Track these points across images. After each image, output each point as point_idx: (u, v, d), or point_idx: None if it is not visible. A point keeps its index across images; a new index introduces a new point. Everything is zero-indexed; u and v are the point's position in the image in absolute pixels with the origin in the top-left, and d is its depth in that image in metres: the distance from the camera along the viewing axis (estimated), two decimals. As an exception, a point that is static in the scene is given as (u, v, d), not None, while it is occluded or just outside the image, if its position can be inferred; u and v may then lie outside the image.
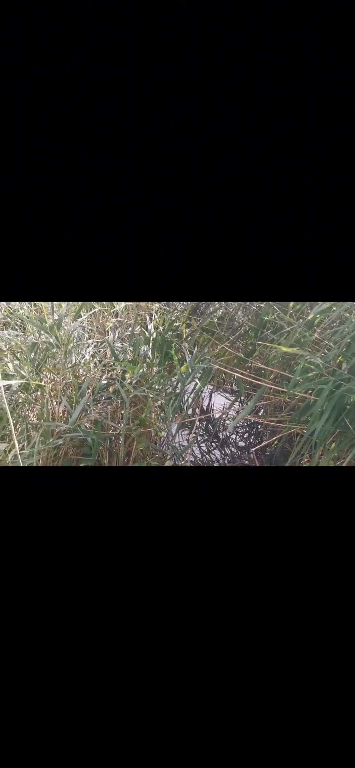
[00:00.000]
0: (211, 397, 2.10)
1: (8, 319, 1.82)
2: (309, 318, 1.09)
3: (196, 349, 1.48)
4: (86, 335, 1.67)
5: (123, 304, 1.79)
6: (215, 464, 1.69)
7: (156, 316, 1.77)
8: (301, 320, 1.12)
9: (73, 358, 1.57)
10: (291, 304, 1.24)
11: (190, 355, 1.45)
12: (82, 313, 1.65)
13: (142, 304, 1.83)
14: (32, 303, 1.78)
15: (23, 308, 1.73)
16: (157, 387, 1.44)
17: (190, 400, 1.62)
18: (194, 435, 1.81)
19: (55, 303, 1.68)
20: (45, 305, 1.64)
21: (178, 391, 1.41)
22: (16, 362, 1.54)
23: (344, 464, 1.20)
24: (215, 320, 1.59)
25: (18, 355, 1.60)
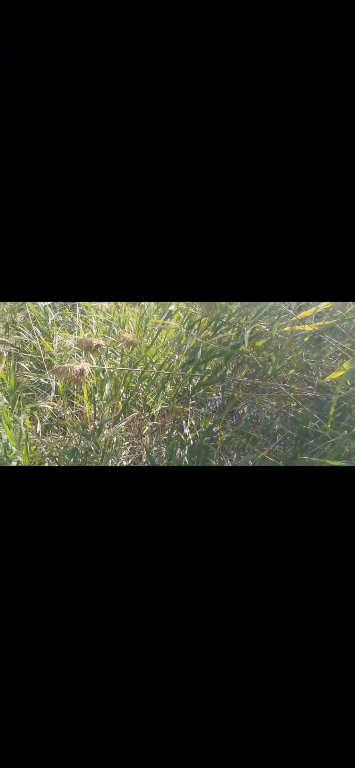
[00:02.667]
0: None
1: (50, 422, 1.91)
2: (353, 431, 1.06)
3: (235, 456, 1.47)
4: (124, 439, 1.71)
5: (159, 407, 1.85)
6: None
7: (191, 419, 1.80)
8: (345, 432, 1.09)
9: (110, 463, 1.59)
10: (332, 410, 1.23)
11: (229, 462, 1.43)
12: (120, 419, 1.71)
13: (177, 406, 1.88)
14: (74, 407, 1.88)
15: (66, 413, 1.83)
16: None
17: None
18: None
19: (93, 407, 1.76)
20: (88, 409, 1.72)
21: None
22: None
23: None
24: (250, 423, 1.59)
25: (57, 459, 1.64)
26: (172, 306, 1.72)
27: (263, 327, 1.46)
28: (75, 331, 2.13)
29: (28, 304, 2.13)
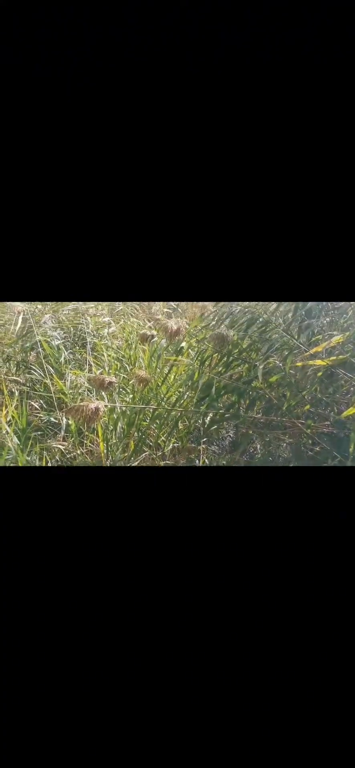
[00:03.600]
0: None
1: (61, 462, 1.89)
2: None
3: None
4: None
5: (170, 445, 1.82)
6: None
7: (204, 457, 1.76)
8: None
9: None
10: (352, 447, 1.19)
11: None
12: (132, 458, 1.68)
13: (189, 444, 1.84)
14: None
15: (77, 452, 1.80)
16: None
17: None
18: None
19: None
20: (102, 449, 1.70)
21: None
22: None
23: None
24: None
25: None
26: (184, 343, 1.73)
27: (276, 362, 1.45)
28: (86, 368, 2.15)
29: (40, 342, 2.16)
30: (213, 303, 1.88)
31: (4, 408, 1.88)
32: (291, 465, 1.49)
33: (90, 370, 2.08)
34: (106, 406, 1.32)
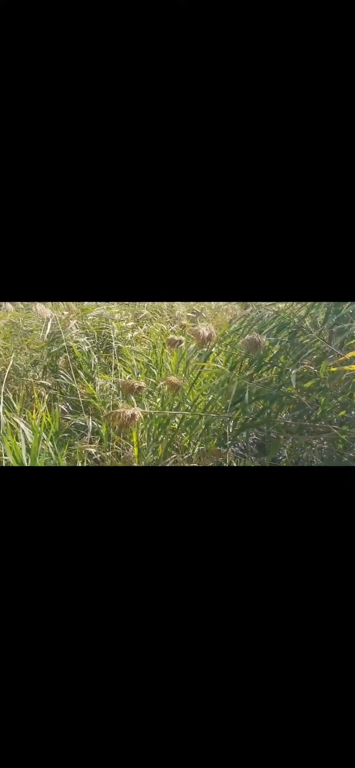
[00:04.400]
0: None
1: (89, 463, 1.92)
2: None
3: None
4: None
5: (196, 448, 1.83)
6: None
7: (232, 462, 1.76)
8: None
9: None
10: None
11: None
12: (160, 461, 1.70)
13: (215, 448, 1.84)
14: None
15: (106, 455, 1.83)
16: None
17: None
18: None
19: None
20: (136, 454, 1.72)
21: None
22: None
23: None
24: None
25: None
26: (214, 348, 1.74)
27: (310, 367, 1.43)
28: (113, 372, 2.18)
29: (71, 347, 2.21)
30: (242, 306, 1.88)
31: (34, 411, 1.93)
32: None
33: (117, 375, 2.11)
34: (143, 412, 1.34)
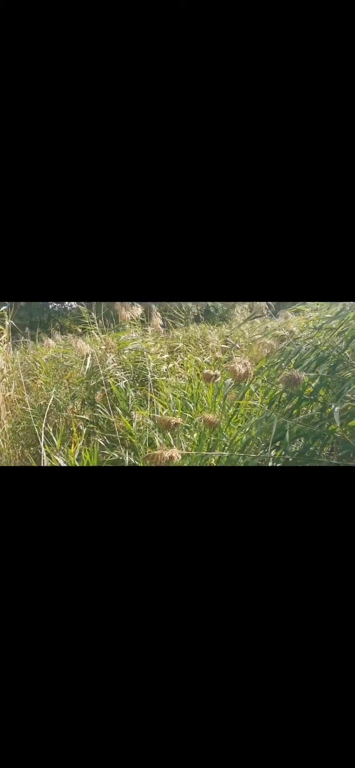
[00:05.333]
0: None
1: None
2: None
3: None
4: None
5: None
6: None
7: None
8: None
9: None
10: None
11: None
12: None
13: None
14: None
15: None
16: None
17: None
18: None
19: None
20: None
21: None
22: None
23: None
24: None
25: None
26: (252, 385, 1.71)
27: (354, 404, 1.37)
28: (149, 406, 2.21)
29: (110, 383, 2.27)
30: (278, 340, 1.85)
31: (73, 446, 1.99)
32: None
33: (153, 409, 2.13)
34: (181, 453, 1.34)
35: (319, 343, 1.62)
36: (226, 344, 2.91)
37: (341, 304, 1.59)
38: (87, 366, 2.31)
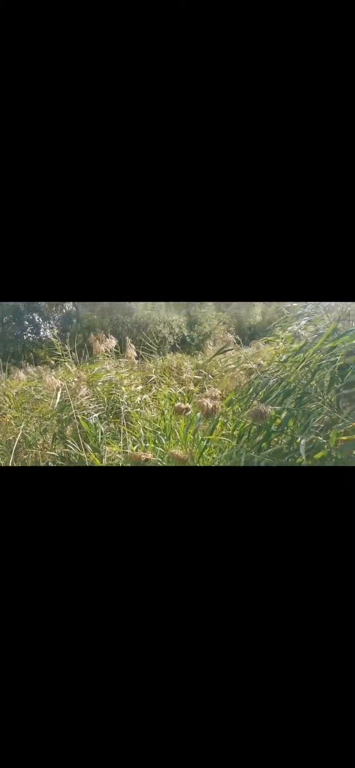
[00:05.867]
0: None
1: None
2: None
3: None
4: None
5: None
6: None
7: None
8: None
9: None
10: None
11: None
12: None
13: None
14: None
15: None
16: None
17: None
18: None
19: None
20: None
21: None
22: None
23: None
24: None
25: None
26: (221, 418, 1.72)
27: (319, 438, 1.39)
28: (120, 440, 2.17)
29: (81, 420, 2.22)
30: (246, 372, 1.89)
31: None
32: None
33: (124, 444, 2.10)
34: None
35: (285, 375, 1.66)
36: (199, 375, 2.94)
37: (305, 338, 1.65)
38: (57, 400, 2.26)
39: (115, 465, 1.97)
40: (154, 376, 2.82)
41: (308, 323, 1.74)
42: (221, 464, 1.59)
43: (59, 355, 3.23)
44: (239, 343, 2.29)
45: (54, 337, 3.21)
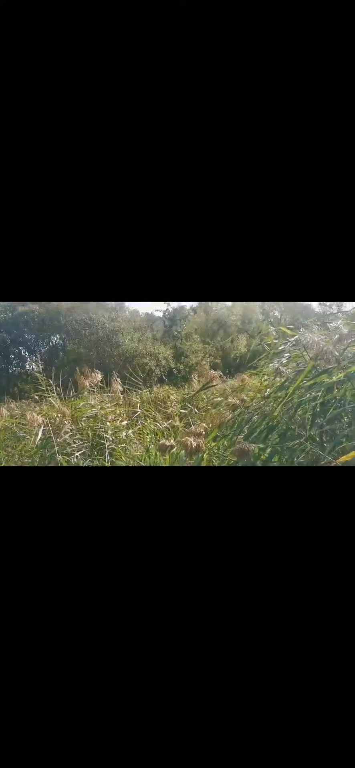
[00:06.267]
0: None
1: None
2: None
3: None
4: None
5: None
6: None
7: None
8: None
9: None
10: None
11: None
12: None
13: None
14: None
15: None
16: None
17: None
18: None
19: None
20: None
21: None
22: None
23: None
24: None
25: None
26: (206, 455, 1.71)
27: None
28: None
29: (62, 460, 2.17)
30: (230, 408, 1.89)
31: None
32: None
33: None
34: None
35: (268, 410, 1.67)
36: (184, 409, 2.94)
37: (286, 375, 1.67)
38: (39, 437, 2.21)
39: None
40: (139, 411, 2.80)
41: (288, 360, 1.77)
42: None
43: (43, 390, 3.19)
44: (225, 374, 2.31)
45: (38, 371, 3.18)
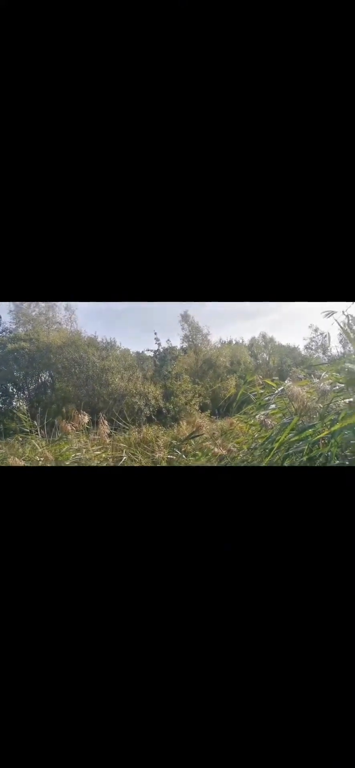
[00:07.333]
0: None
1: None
2: None
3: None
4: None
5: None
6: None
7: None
8: None
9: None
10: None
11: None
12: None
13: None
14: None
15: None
16: None
17: None
18: None
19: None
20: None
21: None
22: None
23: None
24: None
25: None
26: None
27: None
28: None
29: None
30: (217, 460, 1.87)
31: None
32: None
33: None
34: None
35: (255, 462, 1.64)
36: (172, 454, 2.89)
37: (271, 428, 1.66)
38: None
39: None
40: (125, 456, 2.74)
41: (274, 409, 1.77)
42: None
43: (27, 431, 3.11)
44: (214, 414, 2.28)
45: (22, 412, 3.11)
